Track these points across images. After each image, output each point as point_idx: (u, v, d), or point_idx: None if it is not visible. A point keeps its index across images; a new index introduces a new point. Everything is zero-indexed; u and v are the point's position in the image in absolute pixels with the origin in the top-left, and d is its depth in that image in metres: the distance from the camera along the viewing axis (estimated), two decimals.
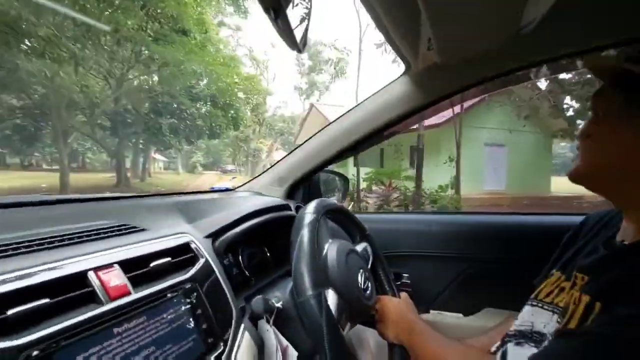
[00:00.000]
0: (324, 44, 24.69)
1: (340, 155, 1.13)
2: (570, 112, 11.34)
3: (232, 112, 11.55)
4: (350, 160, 13.74)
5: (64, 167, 10.33)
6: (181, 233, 0.69)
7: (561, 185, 13.59)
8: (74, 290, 0.46)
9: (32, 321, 0.41)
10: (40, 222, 0.59)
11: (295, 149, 1.23)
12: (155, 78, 11.10)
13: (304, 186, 1.28)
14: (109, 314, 0.46)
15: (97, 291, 0.47)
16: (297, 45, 0.50)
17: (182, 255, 0.64)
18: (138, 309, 0.50)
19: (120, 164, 13.61)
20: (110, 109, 13.44)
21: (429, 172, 9.54)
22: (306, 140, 1.19)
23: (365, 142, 1.09)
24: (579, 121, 10.70)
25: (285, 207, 1.10)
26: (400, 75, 0.98)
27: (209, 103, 11.47)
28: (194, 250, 0.67)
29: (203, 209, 0.86)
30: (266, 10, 0.44)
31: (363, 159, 15.47)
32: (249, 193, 1.24)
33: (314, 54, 26.38)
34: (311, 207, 0.73)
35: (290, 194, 1.24)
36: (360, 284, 0.74)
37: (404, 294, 0.91)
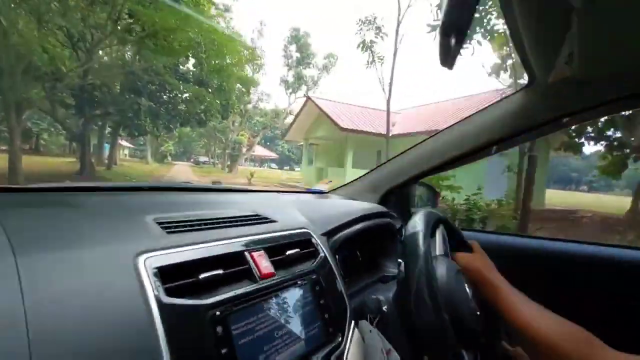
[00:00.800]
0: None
1: (442, 167, 1.13)
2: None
3: (224, 98, 10.10)
4: (349, 160, 12.87)
5: (15, 148, 8.43)
6: (303, 228, 0.76)
7: (554, 198, 13.46)
8: (233, 265, 0.55)
9: (212, 287, 0.50)
10: (195, 205, 0.79)
11: (391, 159, 1.27)
12: (135, 51, 9.41)
13: (397, 195, 1.28)
14: (261, 290, 0.55)
15: (253, 270, 0.56)
16: (449, 64, 0.52)
17: (307, 248, 0.71)
18: (279, 290, 0.58)
19: (85, 149, 11.73)
20: (76, 83, 11.55)
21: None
22: (404, 151, 1.22)
23: (470, 156, 1.08)
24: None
25: (387, 215, 1.13)
26: (520, 90, 0.97)
27: (203, 85, 9.90)
28: (314, 245, 0.74)
29: (315, 207, 0.97)
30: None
31: (358, 160, 14.67)
32: (345, 197, 1.30)
33: (303, 46, 25.15)
34: (422, 219, 0.71)
35: (383, 201, 1.25)
36: (473, 307, 0.68)
37: (475, 244, 0.84)
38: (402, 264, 0.65)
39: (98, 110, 11.81)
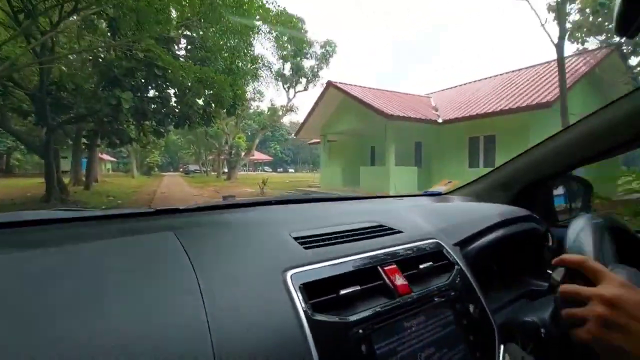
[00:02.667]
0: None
1: (593, 158, 0.99)
2: None
3: (235, 83, 7.37)
4: (391, 157, 10.43)
5: None
6: (432, 238, 0.70)
7: None
8: (368, 281, 0.53)
9: (350, 302, 0.49)
10: (319, 216, 0.78)
11: (527, 151, 1.10)
12: (108, 22, 6.65)
13: (534, 193, 1.12)
14: (400, 307, 0.52)
15: (389, 286, 0.54)
16: (630, 32, 0.50)
17: (439, 260, 0.66)
18: (418, 308, 0.54)
19: (50, 167, 8.95)
20: (31, 81, 8.80)
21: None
22: (542, 142, 1.05)
23: (624, 146, 0.93)
24: None
25: (530, 218, 0.96)
26: None
27: (207, 61, 7.04)
28: (447, 257, 0.68)
29: (441, 214, 0.88)
30: None
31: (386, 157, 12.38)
32: (469, 198, 1.20)
33: (294, 36, 22.59)
34: (588, 222, 0.64)
35: (517, 201, 1.09)
36: None
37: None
38: (555, 277, 0.59)
39: (65, 115, 9.03)
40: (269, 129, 23.68)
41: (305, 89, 23.32)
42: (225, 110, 8.67)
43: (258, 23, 8.33)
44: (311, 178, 26.75)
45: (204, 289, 0.42)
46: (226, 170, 32.51)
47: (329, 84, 11.53)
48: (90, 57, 7.16)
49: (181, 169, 51.17)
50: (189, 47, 7.71)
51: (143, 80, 7.81)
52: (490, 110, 8.76)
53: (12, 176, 26.01)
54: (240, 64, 7.59)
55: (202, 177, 30.90)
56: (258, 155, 40.60)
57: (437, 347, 0.53)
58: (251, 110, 27.63)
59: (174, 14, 6.59)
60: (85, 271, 0.42)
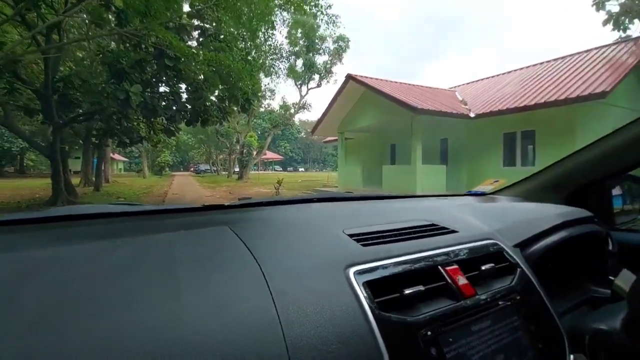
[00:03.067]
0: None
1: None
2: None
3: (254, 80, 6.68)
4: (418, 155, 9.65)
5: None
6: (490, 239, 0.68)
7: None
8: (431, 281, 0.52)
9: (413, 302, 0.49)
10: (370, 214, 0.79)
11: (576, 152, 1.05)
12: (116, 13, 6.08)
13: (588, 194, 1.07)
14: (465, 310, 0.50)
15: (453, 287, 0.52)
16: None
17: (501, 262, 0.64)
18: (484, 311, 0.52)
19: (56, 167, 8.47)
20: (39, 81, 8.33)
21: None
22: (593, 143, 1.01)
23: None
24: None
25: (590, 220, 0.91)
26: None
27: (225, 48, 6.32)
28: (508, 258, 0.65)
29: (495, 214, 0.85)
30: None
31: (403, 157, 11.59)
32: (518, 199, 1.15)
33: (309, 30, 21.88)
34: None
35: (570, 202, 1.04)
36: None
37: None
38: (620, 284, 0.57)
39: (72, 113, 8.54)
40: (281, 127, 22.98)
41: (318, 85, 22.63)
42: (239, 106, 8.01)
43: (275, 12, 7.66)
44: (324, 177, 26.07)
45: (271, 285, 0.42)
46: (237, 169, 32.15)
47: (349, 77, 10.80)
48: (99, 52, 6.58)
49: (192, 169, 51.16)
50: (201, 39, 7.08)
51: (153, 74, 7.23)
52: (532, 103, 7.92)
53: (26, 177, 26.05)
54: (256, 54, 6.93)
55: (213, 177, 30.56)
56: (269, 155, 40.17)
57: (506, 354, 0.50)
58: (262, 109, 27.08)
59: None
60: (158, 262, 0.43)
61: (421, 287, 0.49)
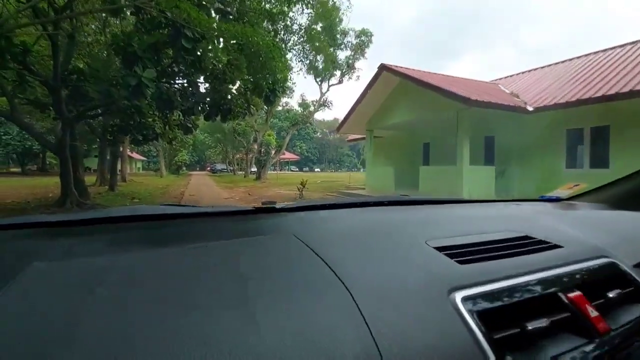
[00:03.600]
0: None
1: None
2: None
3: (281, 65, 5.68)
4: (465, 153, 8.50)
5: None
6: (604, 257, 0.59)
7: None
8: (553, 311, 0.44)
9: (536, 341, 0.41)
10: (447, 220, 0.73)
11: None
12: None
13: None
14: (599, 349, 0.41)
15: (583, 320, 0.44)
16: None
17: (626, 287, 0.54)
18: (622, 351, 0.44)
19: (65, 165, 7.77)
20: (48, 72, 7.64)
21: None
22: None
23: None
24: None
25: None
26: None
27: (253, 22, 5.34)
28: (634, 281, 0.55)
29: (596, 225, 0.75)
30: None
31: (439, 157, 10.44)
32: (603, 206, 1.00)
33: (332, 25, 20.84)
34: None
35: None
36: None
37: None
38: None
39: (81, 105, 7.81)
40: (300, 125, 22.06)
41: (340, 82, 21.62)
42: (264, 98, 7.07)
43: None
44: (345, 178, 25.04)
45: (363, 309, 0.36)
46: (253, 169, 31.51)
47: (383, 67, 9.71)
48: (112, 42, 5.81)
49: (208, 168, 51.01)
50: (219, 16, 6.17)
51: (169, 63, 6.37)
52: (610, 92, 6.64)
53: (47, 174, 26.13)
54: (284, 36, 5.96)
55: (229, 177, 29.99)
56: (286, 154, 39.42)
57: None
58: (279, 107, 26.22)
59: None
60: (225, 277, 0.40)
61: (545, 321, 0.42)
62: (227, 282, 0.38)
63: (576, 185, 1.15)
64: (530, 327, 0.40)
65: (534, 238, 0.61)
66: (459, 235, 0.58)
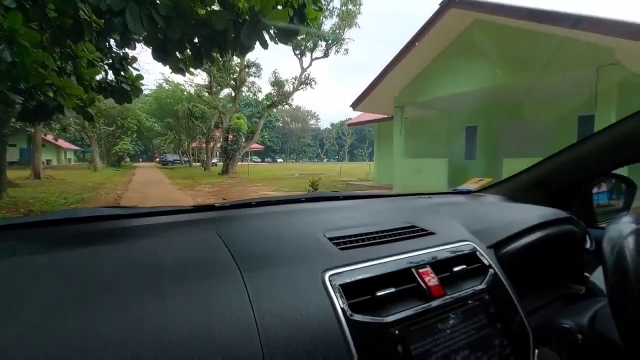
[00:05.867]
0: None
1: (638, 160, 0.90)
2: None
3: None
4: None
5: None
6: (466, 241, 0.70)
7: None
8: (403, 283, 0.54)
9: (385, 303, 0.51)
10: (350, 215, 0.80)
11: (561, 151, 1.03)
12: None
13: (574, 192, 1.07)
14: (434, 310, 0.53)
15: (424, 288, 0.55)
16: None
17: (473, 263, 0.66)
18: (451, 311, 0.55)
19: None
20: None
21: None
22: (579, 142, 0.99)
23: None
24: None
25: (569, 220, 0.91)
26: None
27: None
28: (481, 260, 0.67)
29: (475, 214, 0.88)
30: None
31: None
32: (502, 198, 1.15)
33: None
34: (629, 222, 0.59)
35: (553, 200, 1.04)
36: None
37: None
38: (594, 281, 0.62)
39: None
40: (277, 106, 17.92)
41: (325, 55, 17.84)
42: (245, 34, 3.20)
43: None
44: (319, 170, 21.52)
45: (249, 288, 0.44)
46: (214, 161, 26.65)
47: (450, 3, 6.21)
48: None
49: (157, 159, 44.32)
50: None
51: None
52: None
53: None
54: None
55: (184, 169, 24.92)
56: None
57: (471, 349, 0.53)
58: (244, 90, 21.67)
59: None
60: (145, 264, 0.46)
61: (392, 289, 0.51)
62: (135, 276, 0.43)
63: (480, 180, 1.33)
64: (379, 294, 0.50)
65: (417, 227, 0.71)
66: (356, 227, 0.67)
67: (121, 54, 4.02)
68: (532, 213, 0.88)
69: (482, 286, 0.61)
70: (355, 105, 8.99)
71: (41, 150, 15.34)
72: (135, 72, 4.39)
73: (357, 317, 0.46)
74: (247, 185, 12.45)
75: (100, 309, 0.37)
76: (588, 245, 0.89)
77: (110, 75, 4.39)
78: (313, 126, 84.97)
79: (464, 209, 0.93)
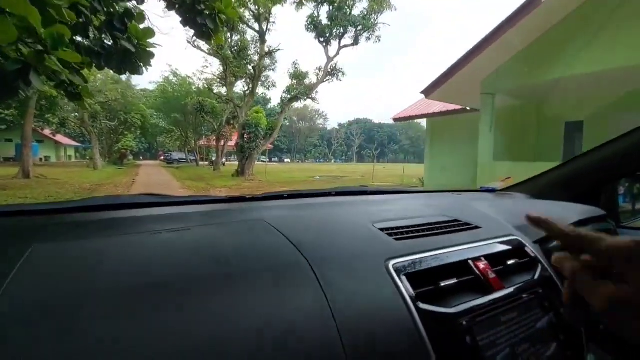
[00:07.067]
0: None
1: None
2: None
3: None
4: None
5: None
6: (512, 235, 0.71)
7: None
8: (462, 274, 0.55)
9: (448, 294, 0.51)
10: (398, 210, 0.80)
11: (590, 151, 1.04)
12: None
13: (600, 192, 1.08)
14: (496, 302, 0.53)
15: (483, 281, 0.55)
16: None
17: (523, 257, 0.66)
18: (510, 304, 0.55)
19: None
20: None
21: None
22: (608, 142, 0.99)
23: None
24: None
25: (604, 219, 0.95)
26: None
27: None
28: (530, 254, 0.68)
29: (512, 211, 0.87)
30: None
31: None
32: (527, 196, 1.17)
33: None
34: None
35: (580, 199, 1.05)
36: None
37: None
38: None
39: None
40: (301, 99, 15.81)
41: (355, 43, 15.78)
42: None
43: None
44: (352, 172, 19.49)
45: (320, 278, 0.44)
46: (223, 160, 24.62)
47: None
48: None
49: (162, 157, 42.29)
50: None
51: None
52: None
53: None
54: None
55: (192, 169, 22.90)
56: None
57: (531, 342, 0.53)
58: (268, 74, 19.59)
59: None
60: (209, 249, 0.47)
61: (454, 280, 0.52)
62: (203, 264, 0.42)
63: (507, 178, 1.33)
64: (442, 285, 0.50)
65: (461, 221, 0.73)
66: (400, 219, 0.68)
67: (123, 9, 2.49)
68: (572, 210, 0.91)
69: (535, 280, 0.61)
70: (428, 92, 6.92)
71: (30, 146, 13.38)
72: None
73: (425, 306, 0.46)
74: (273, 190, 10.49)
75: (169, 298, 0.36)
76: None
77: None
78: (321, 126, 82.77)
79: (499, 205, 0.92)
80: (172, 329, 0.33)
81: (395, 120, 10.92)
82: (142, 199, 0.70)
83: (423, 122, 10.80)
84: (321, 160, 78.01)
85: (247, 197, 0.80)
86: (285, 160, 69.48)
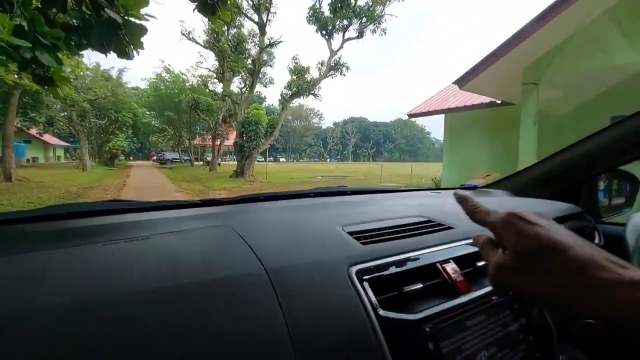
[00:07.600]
0: None
1: None
2: None
3: None
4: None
5: None
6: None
7: None
8: (429, 278, 0.53)
9: (412, 299, 0.49)
10: (363, 211, 0.77)
11: (568, 147, 1.03)
12: None
13: (580, 188, 1.07)
14: (462, 306, 0.51)
15: (450, 284, 0.54)
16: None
17: None
18: (477, 307, 0.53)
19: None
20: None
21: None
22: (585, 138, 0.99)
23: None
24: None
25: (580, 216, 0.94)
26: None
27: None
28: None
29: (495, 209, 0.88)
30: None
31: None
32: (507, 193, 1.16)
33: None
34: None
35: (559, 196, 1.05)
36: None
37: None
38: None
39: None
40: (306, 94, 14.90)
41: (359, 35, 14.97)
42: None
43: None
44: (351, 172, 18.66)
45: (275, 284, 0.42)
46: (219, 160, 23.63)
47: None
48: None
49: (154, 157, 41.04)
50: None
51: None
52: None
53: None
54: None
55: (187, 170, 21.89)
56: None
57: (498, 346, 0.52)
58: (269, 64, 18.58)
59: None
60: (166, 259, 0.44)
61: (419, 285, 0.50)
62: (157, 275, 0.41)
63: (488, 175, 1.33)
64: (406, 290, 0.49)
65: (434, 221, 0.70)
66: (371, 222, 0.67)
67: None
68: (547, 207, 0.90)
69: None
70: (461, 83, 6.13)
71: (13, 147, 12.31)
72: None
73: (387, 313, 0.45)
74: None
75: (117, 313, 0.35)
76: (597, 240, 0.91)
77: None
78: (316, 125, 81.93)
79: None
80: (120, 345, 0.32)
81: (410, 116, 10.15)
82: (107, 206, 0.68)
83: (420, 120, 10.13)
84: (316, 160, 77.26)
85: (224, 199, 0.79)
86: (281, 159, 68.51)
